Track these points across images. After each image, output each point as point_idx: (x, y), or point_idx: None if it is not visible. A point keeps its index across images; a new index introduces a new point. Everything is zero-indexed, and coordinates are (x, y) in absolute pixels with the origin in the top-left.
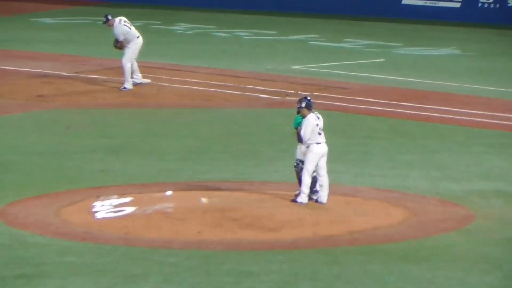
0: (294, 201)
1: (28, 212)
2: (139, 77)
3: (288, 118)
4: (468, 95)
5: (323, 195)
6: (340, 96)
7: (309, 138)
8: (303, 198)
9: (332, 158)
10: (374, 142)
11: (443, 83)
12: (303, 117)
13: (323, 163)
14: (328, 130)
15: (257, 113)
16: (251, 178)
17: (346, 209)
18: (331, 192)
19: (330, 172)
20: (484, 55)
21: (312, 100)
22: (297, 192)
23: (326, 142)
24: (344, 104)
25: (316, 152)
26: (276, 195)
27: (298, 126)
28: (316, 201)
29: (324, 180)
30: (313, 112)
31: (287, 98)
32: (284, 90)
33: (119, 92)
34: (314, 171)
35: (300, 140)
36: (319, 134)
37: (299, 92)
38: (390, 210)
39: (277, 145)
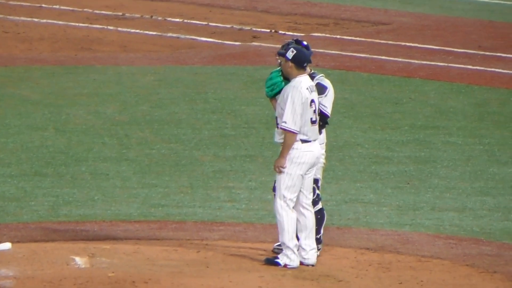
0: (273, 262)
1: None
2: None
3: (255, 87)
4: None
5: (308, 247)
6: (369, 40)
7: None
8: (290, 257)
9: (352, 173)
10: (441, 139)
11: None
12: (287, 77)
13: (308, 184)
14: (344, 114)
15: (190, 74)
16: (175, 215)
17: (381, 283)
18: (344, 244)
19: (350, 201)
20: None
21: (308, 46)
22: (276, 245)
23: (322, 143)
24: (378, 57)
25: (299, 161)
26: (233, 251)
27: (274, 94)
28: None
29: (307, 216)
30: (309, 73)
31: (254, 44)
32: (248, 28)
33: None
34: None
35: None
36: (312, 122)
37: (279, 32)
38: (477, 282)
39: (232, 144)
